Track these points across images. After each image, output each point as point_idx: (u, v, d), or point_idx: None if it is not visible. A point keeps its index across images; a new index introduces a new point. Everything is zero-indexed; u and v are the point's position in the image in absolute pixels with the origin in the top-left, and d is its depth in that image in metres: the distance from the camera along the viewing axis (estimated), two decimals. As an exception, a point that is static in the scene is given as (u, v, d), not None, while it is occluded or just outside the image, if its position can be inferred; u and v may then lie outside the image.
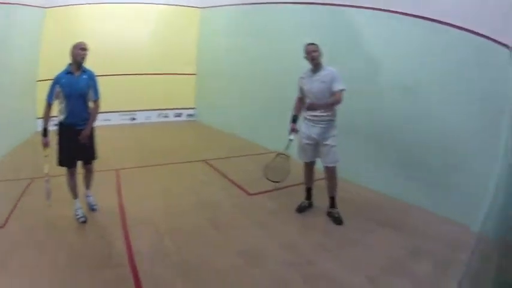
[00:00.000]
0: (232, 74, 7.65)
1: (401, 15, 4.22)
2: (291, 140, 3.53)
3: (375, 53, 4.60)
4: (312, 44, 3.36)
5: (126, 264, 2.75)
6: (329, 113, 3.39)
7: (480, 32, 3.44)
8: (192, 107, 9.24)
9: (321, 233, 3.43)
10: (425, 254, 3.14)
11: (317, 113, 3.38)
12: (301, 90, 3.52)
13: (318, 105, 3.26)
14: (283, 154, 3.58)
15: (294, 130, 3.55)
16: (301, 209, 3.77)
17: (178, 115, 9.15)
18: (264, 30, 6.61)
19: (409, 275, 2.82)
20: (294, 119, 3.58)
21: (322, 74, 3.34)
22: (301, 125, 3.58)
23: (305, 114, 3.51)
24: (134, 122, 8.53)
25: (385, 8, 4.39)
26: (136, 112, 8.59)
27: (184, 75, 9.00)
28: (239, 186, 4.44)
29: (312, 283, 2.67)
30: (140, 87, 8.37)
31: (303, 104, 3.56)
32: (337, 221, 3.54)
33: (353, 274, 2.79)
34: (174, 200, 4.03)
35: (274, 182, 3.61)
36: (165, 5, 8.56)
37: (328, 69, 3.36)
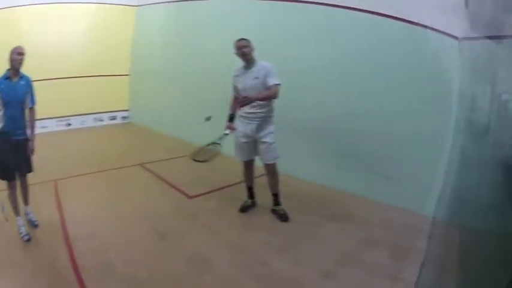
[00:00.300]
0: (166, 73, 7.35)
1: (343, 9, 4.14)
2: (225, 134, 3.39)
3: (312, 47, 4.49)
4: (243, 39, 3.23)
5: (75, 281, 2.54)
6: (264, 109, 3.28)
7: (429, 25, 3.47)
8: (127, 109, 9.00)
9: (268, 232, 3.32)
10: (378, 243, 3.06)
11: (252, 109, 3.26)
12: (236, 88, 3.39)
13: (252, 97, 3.07)
14: (216, 143, 3.41)
15: (230, 127, 3.42)
16: (244, 209, 3.64)
17: (113, 118, 8.81)
18: (200, 26, 6.26)
19: (365, 266, 2.71)
20: (231, 118, 3.43)
21: (255, 69, 3.21)
22: (237, 123, 3.47)
23: (240, 111, 3.40)
24: (70, 127, 8.12)
25: (327, 3, 4.31)
26: (72, 117, 8.23)
27: (118, 76, 8.71)
28: (178, 189, 4.27)
29: (266, 283, 2.55)
30: (74, 91, 7.85)
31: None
32: (283, 217, 3.44)
33: (307, 270, 2.68)
34: (114, 209, 3.80)
35: (199, 161, 3.39)
36: (99, 4, 8.19)
37: (262, 64, 3.22)
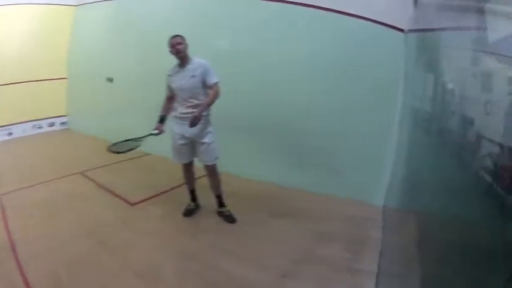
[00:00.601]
0: (104, 76, 7.06)
1: (291, 5, 4.14)
2: (152, 133, 3.19)
3: (258, 44, 4.38)
4: (177, 36, 3.06)
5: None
6: None
7: (376, 19, 3.55)
8: (64, 114, 8.47)
9: (217, 235, 3.19)
10: (332, 237, 3.06)
11: (189, 109, 3.09)
12: (170, 88, 3.20)
13: (199, 114, 2.94)
14: (138, 139, 3.21)
15: (158, 128, 3.22)
16: (188, 213, 3.49)
17: (52, 125, 8.30)
18: (141, 24, 6.04)
19: (323, 262, 2.68)
20: (161, 120, 3.25)
21: (191, 67, 3.07)
22: (173, 125, 3.30)
23: (175, 113, 3.23)
24: (12, 137, 7.49)
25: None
26: (13, 126, 7.57)
27: (56, 80, 8.14)
28: (120, 197, 4.03)
29: (223, 289, 2.41)
30: (13, 98, 7.33)
31: (172, 103, 3.30)
32: (230, 219, 3.35)
33: (264, 272, 2.60)
34: (59, 224, 3.45)
35: (114, 152, 3.18)
36: (34, 5, 7.57)
37: (197, 61, 3.09)
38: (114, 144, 3.18)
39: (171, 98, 3.25)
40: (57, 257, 2.88)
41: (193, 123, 2.94)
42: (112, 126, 6.51)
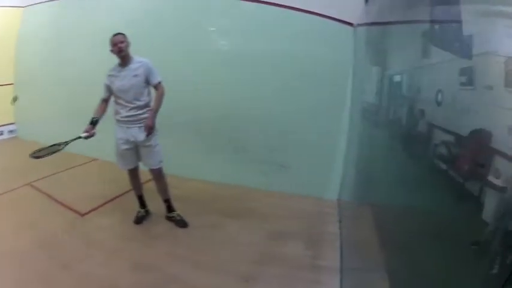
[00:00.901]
0: (52, 80, 6.55)
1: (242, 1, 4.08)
2: (80, 137, 3.00)
3: (200, 44, 4.23)
4: (119, 34, 2.92)
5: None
6: (144, 110, 3.03)
7: (324, 13, 3.59)
8: (13, 122, 7.81)
9: (170, 242, 3.04)
10: (289, 235, 3.05)
11: (131, 112, 2.97)
12: (110, 89, 3.03)
13: (151, 122, 2.92)
14: (63, 143, 3.04)
15: (88, 131, 3.02)
16: (139, 220, 3.34)
17: (1, 133, 7.66)
18: (90, 25, 5.70)
19: (283, 262, 2.64)
20: (93, 122, 3.06)
21: (133, 67, 2.94)
22: (115, 130, 3.13)
23: (117, 116, 3.07)
24: None
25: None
26: None
27: (3, 86, 7.48)
28: (70, 208, 3.75)
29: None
30: None
31: (107, 106, 3.14)
32: (181, 223, 3.25)
33: (224, 277, 2.51)
34: (9, 244, 3.13)
35: (35, 157, 3.02)
36: None
37: (139, 60, 2.98)
38: (39, 150, 3.02)
39: (107, 100, 3.07)
40: (11, 278, 2.58)
41: (149, 132, 2.93)
42: (59, 133, 6.00)
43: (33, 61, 6.96)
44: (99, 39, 5.23)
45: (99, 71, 4.60)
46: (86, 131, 2.99)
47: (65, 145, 2.98)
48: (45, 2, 6.52)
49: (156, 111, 2.97)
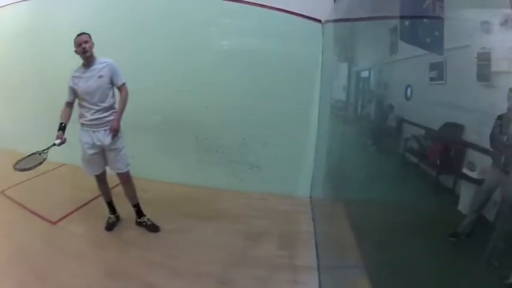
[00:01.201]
0: (15, 83, 6.20)
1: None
2: (54, 144, 2.91)
3: (156, 41, 4.03)
4: (83, 34, 2.83)
5: None
6: (109, 113, 2.96)
7: (294, 11, 3.58)
8: None
9: (143, 247, 2.95)
10: (262, 235, 3.03)
11: (96, 115, 2.90)
12: (74, 92, 2.92)
13: (116, 124, 2.88)
14: (42, 152, 2.97)
15: (60, 137, 2.94)
16: (110, 226, 3.25)
17: None
18: (61, 26, 5.43)
19: (259, 263, 2.61)
20: (62, 128, 2.96)
21: (98, 67, 2.87)
22: (80, 134, 3.02)
23: (82, 120, 2.97)
24: None
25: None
26: None
27: None
28: (42, 217, 3.61)
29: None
30: None
31: (72, 109, 3.03)
32: (152, 228, 3.18)
33: (199, 282, 2.46)
34: None
35: (21, 170, 2.97)
36: None
37: (103, 60, 2.91)
38: (19, 161, 2.94)
39: (71, 104, 2.95)
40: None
41: (114, 135, 2.90)
42: (26, 137, 5.69)
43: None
44: (64, 41, 4.96)
45: (61, 75, 4.33)
46: (59, 138, 2.91)
47: (46, 153, 2.92)
48: (17, 2, 6.13)
49: (121, 113, 2.92)
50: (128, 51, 3.94)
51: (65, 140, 2.93)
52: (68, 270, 2.71)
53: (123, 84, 2.93)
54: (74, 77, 2.88)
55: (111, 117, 2.93)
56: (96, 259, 2.83)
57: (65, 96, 3.08)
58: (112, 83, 2.91)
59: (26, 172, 4.26)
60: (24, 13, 5.99)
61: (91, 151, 2.95)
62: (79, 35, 2.84)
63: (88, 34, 2.87)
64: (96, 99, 2.87)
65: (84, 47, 2.78)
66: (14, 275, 2.68)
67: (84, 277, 2.60)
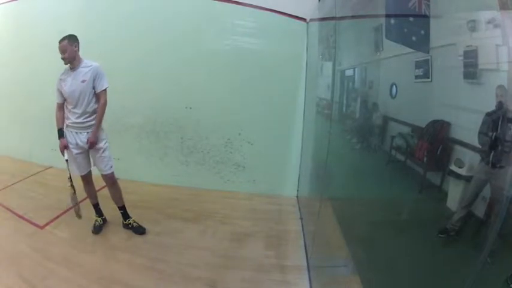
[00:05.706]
0: (4, 90, 5.98)
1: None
2: (67, 160, 2.89)
3: (132, 43, 4.07)
4: (63, 39, 2.80)
5: None
6: (93, 117, 2.92)
7: (279, 9, 3.58)
8: None
9: (131, 251, 2.89)
10: (250, 236, 3.01)
11: (80, 119, 2.87)
12: (61, 94, 2.86)
13: (95, 137, 2.87)
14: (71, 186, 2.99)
15: (66, 147, 2.89)
16: (97, 230, 3.20)
17: None
18: (34, 27, 5.25)
19: (248, 264, 2.57)
20: (61, 134, 2.91)
21: (82, 71, 2.81)
22: (65, 134, 2.96)
23: (66, 121, 2.92)
24: None
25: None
26: None
27: None
28: (30, 221, 3.52)
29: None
30: None
31: (64, 112, 2.98)
32: (138, 230, 3.14)
33: (189, 285, 2.41)
34: None
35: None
36: None
37: (89, 64, 2.84)
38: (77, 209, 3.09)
39: (62, 105, 2.89)
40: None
41: (91, 147, 2.90)
42: (10, 141, 5.53)
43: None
44: (46, 42, 4.78)
45: (50, 78, 4.18)
46: (64, 146, 2.91)
47: (71, 182, 2.99)
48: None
49: (98, 124, 2.88)
50: (111, 51, 3.86)
51: (68, 146, 2.93)
52: (55, 275, 2.64)
53: (104, 90, 2.86)
54: (60, 79, 2.82)
55: (94, 122, 2.89)
56: (85, 264, 2.76)
57: (54, 100, 3.01)
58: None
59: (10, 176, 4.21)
60: (8, 13, 5.79)
61: (75, 151, 2.93)
62: (60, 41, 2.76)
63: (68, 38, 2.77)
64: (79, 103, 2.83)
65: (62, 57, 2.74)
66: (2, 281, 2.61)
67: (73, 284, 2.54)
